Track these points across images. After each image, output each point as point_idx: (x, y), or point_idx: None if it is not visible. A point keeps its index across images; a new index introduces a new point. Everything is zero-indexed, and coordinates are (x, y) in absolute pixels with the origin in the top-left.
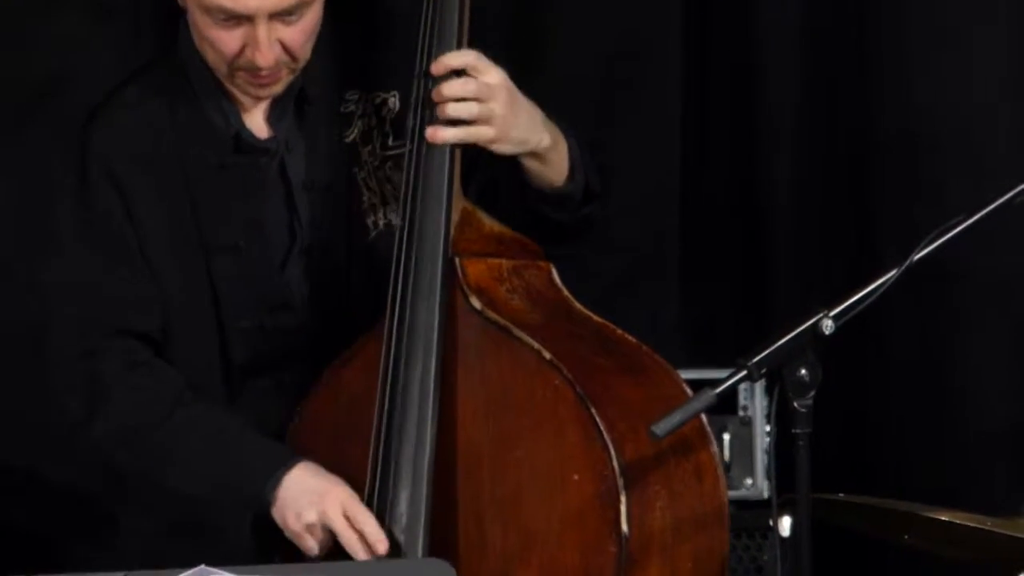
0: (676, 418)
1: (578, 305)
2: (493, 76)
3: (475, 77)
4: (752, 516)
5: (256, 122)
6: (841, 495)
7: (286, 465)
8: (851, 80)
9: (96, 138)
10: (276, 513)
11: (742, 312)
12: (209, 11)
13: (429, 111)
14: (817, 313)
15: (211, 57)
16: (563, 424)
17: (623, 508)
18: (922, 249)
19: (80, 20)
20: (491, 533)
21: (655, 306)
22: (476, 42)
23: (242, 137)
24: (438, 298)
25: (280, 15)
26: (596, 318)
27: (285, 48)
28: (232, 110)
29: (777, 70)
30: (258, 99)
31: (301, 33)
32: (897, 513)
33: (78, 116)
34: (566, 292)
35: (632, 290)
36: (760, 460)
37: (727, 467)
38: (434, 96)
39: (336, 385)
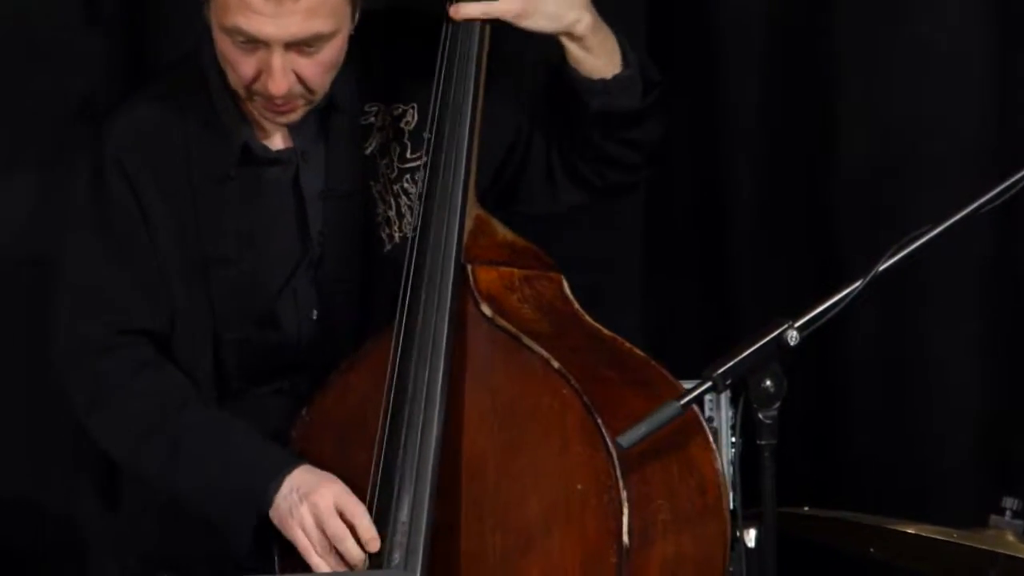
0: (642, 429)
1: (588, 318)
2: None
3: None
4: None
5: (274, 131)
6: (806, 508)
7: (287, 467)
8: (815, 87)
9: (112, 135)
10: (274, 515)
11: (706, 323)
12: (228, 31)
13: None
14: (782, 324)
15: (231, 77)
16: (569, 433)
17: (625, 520)
18: (887, 260)
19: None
20: (492, 540)
21: (618, 317)
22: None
23: (251, 148)
24: (448, 304)
25: (297, 45)
26: (606, 331)
27: (301, 79)
28: (245, 121)
29: (739, 75)
30: (274, 124)
31: (318, 65)
32: (862, 526)
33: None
34: (577, 305)
35: (594, 301)
36: (726, 471)
37: None
38: None
39: (344, 386)
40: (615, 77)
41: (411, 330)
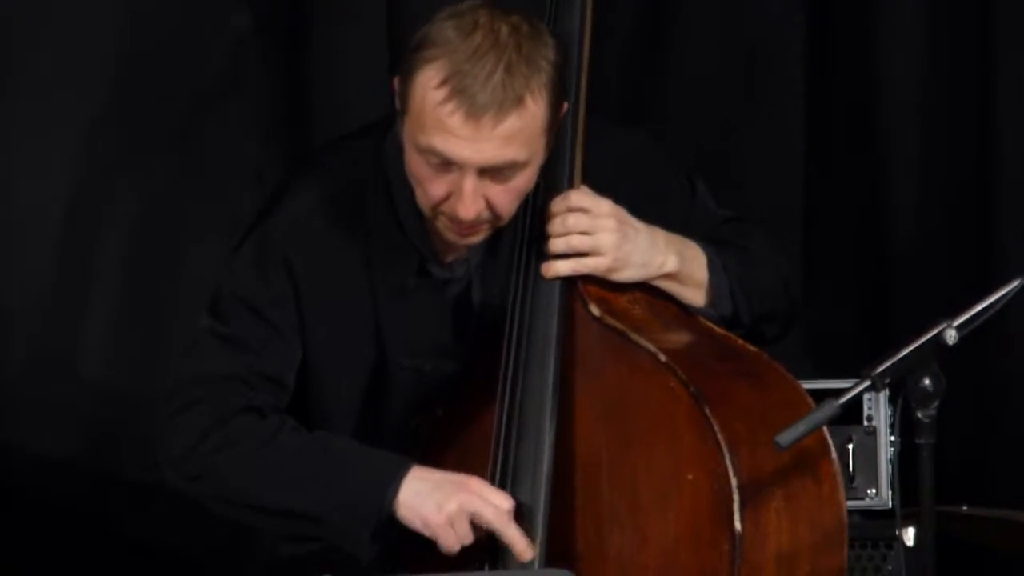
0: (800, 428)
1: (701, 318)
2: (600, 207)
3: (583, 212)
4: (876, 526)
5: (450, 243)
6: (965, 507)
7: (402, 469)
8: (975, 93)
9: (282, 223)
10: (407, 514)
11: (865, 322)
12: (422, 151)
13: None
14: (940, 323)
15: (419, 195)
16: (678, 425)
17: (735, 506)
18: None
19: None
20: (608, 536)
21: None
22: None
23: (426, 267)
24: (557, 306)
25: (490, 171)
26: (718, 329)
27: (490, 205)
28: (425, 237)
29: (897, 72)
30: (455, 243)
31: (508, 193)
32: (1021, 525)
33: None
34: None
35: None
36: (884, 470)
37: (851, 477)
38: (547, 232)
39: (463, 400)
40: (708, 308)
41: (521, 335)
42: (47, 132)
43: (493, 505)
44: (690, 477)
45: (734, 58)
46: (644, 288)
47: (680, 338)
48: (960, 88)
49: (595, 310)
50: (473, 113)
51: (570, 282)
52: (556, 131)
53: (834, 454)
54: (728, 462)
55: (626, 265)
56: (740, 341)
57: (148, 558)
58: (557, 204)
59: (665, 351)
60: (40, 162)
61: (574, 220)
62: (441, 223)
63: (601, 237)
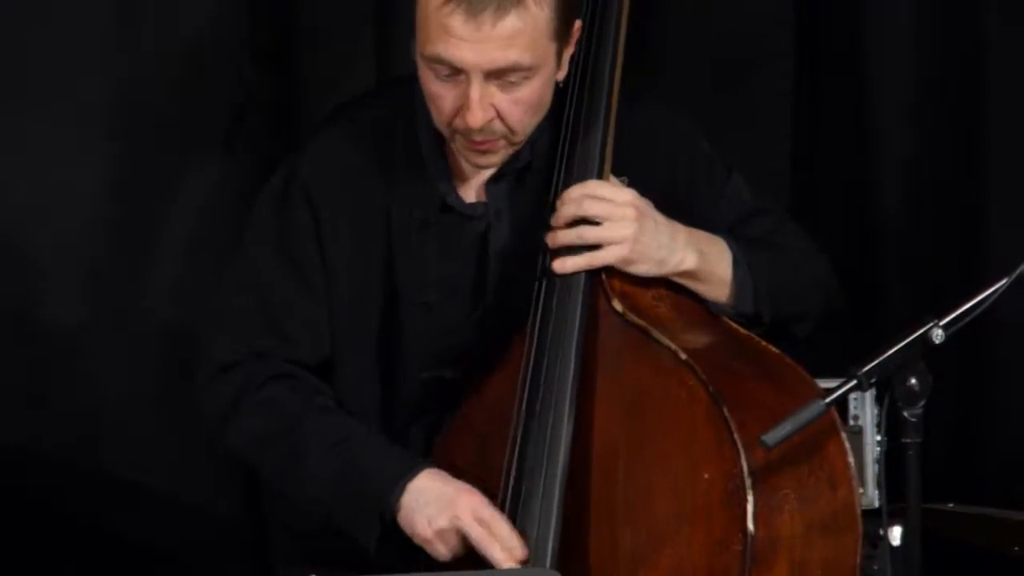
0: (786, 428)
1: (725, 319)
2: (620, 196)
3: (601, 200)
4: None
5: (471, 184)
6: (951, 505)
7: (411, 471)
8: (965, 93)
9: (307, 161)
10: (403, 520)
11: (852, 321)
12: (429, 61)
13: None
14: (927, 322)
15: (434, 114)
16: (696, 423)
17: (750, 507)
18: None
19: None
20: (622, 533)
21: None
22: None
23: (447, 203)
24: (580, 301)
25: (495, 76)
26: (742, 331)
27: (499, 115)
28: (447, 173)
29: (889, 77)
30: (476, 167)
31: (517, 103)
32: (1008, 523)
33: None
34: None
35: None
36: (871, 469)
37: None
38: (553, 222)
39: (484, 390)
40: (729, 306)
41: (544, 327)
42: (50, 129)
43: (481, 527)
44: (706, 476)
45: (722, 55)
46: (669, 285)
47: (702, 337)
48: (950, 88)
49: (618, 305)
50: (472, 11)
51: (594, 275)
52: (569, 47)
53: (850, 457)
54: (744, 463)
55: (643, 259)
56: (763, 343)
57: (138, 558)
58: (574, 191)
59: (686, 350)
60: (46, 157)
61: (589, 204)
62: (459, 144)
63: (618, 226)
